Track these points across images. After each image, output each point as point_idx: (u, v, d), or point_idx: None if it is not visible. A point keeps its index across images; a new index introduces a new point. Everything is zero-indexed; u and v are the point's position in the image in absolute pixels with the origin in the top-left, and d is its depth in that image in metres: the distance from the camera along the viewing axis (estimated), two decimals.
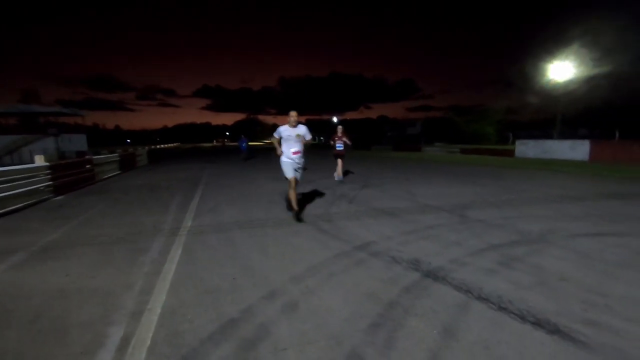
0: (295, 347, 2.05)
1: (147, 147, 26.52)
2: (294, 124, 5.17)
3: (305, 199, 6.84)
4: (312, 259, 3.51)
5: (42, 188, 7.64)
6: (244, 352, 2.01)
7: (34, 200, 7.17)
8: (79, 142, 27.55)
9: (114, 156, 13.89)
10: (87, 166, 10.56)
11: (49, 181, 7.97)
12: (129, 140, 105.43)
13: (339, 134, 9.54)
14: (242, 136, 20.46)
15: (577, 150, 17.53)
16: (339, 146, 9.52)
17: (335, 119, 66.32)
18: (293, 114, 5.17)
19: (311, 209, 5.92)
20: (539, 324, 2.24)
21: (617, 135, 23.18)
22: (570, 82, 23.63)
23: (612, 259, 3.37)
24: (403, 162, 17.42)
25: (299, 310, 2.49)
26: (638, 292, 2.70)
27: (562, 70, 22.96)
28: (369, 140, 43.28)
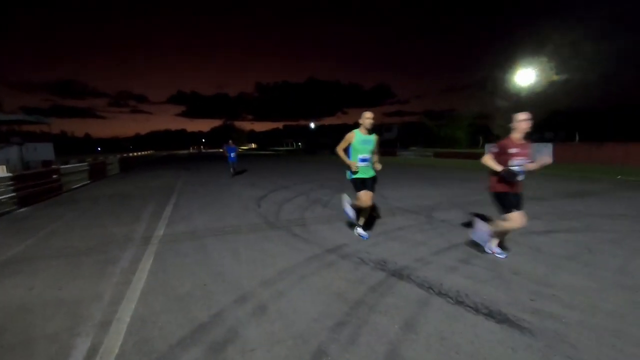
0: (264, 347, 2.13)
1: (118, 155, 25.72)
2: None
3: (279, 204, 6.92)
4: (284, 263, 3.60)
5: (4, 200, 7.32)
6: (213, 354, 2.07)
7: None
8: (45, 151, 26.32)
9: (83, 165, 13.41)
10: (54, 176, 10.16)
11: (12, 192, 7.64)
12: (99, 148, 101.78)
13: (518, 138, 3.44)
14: (230, 142, 14.47)
15: (542, 152, 18.48)
16: (519, 169, 3.41)
17: (312, 125, 66.51)
18: None
19: (285, 214, 6.00)
20: (490, 314, 2.43)
21: (577, 138, 24.64)
22: (534, 87, 24.97)
23: (561, 253, 3.65)
24: None
25: (268, 313, 2.57)
26: (580, 281, 2.96)
27: (526, 76, 24.25)
28: None
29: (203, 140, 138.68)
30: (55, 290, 3.12)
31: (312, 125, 66.78)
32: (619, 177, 10.40)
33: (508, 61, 25.65)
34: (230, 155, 13.79)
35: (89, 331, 2.40)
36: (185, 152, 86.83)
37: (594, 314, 2.41)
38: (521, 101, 25.22)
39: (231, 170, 13.94)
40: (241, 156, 35.30)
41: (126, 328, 2.42)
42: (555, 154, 17.83)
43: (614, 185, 8.65)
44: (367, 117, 4.16)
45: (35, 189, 8.71)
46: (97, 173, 14.49)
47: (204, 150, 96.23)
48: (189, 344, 2.19)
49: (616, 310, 2.47)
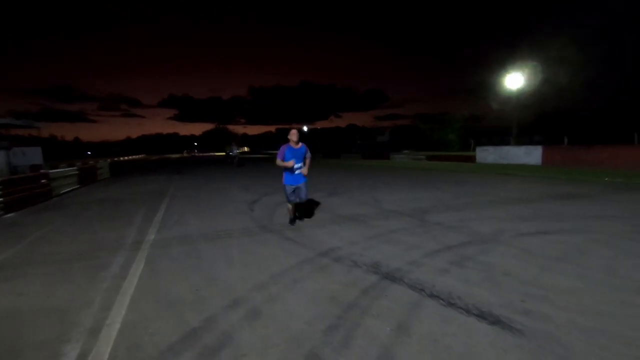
0: (257, 352, 2.12)
1: (109, 160, 25.40)
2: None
3: (273, 208, 6.90)
4: (277, 267, 3.58)
5: None
6: (204, 359, 2.05)
7: None
8: (33, 155, 25.84)
9: (73, 170, 13.22)
10: (43, 181, 10.00)
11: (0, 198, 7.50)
12: (89, 153, 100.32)
13: None
14: (292, 132, 5.16)
15: (532, 155, 18.76)
16: None
17: (305, 128, 66.58)
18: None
19: (278, 218, 5.98)
20: (482, 316, 2.45)
21: (565, 140, 25.05)
22: (523, 91, 25.39)
23: (551, 254, 3.70)
24: (371, 169, 17.86)
25: (261, 317, 2.55)
26: (571, 282, 3.00)
27: (515, 80, 24.66)
28: (339, 149, 44.01)
29: (195, 143, 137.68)
30: (45, 297, 3.06)
31: (305, 128, 66.84)
32: (607, 179, 10.59)
33: (499, 65, 26.08)
34: (293, 168, 5.15)
35: (78, 337, 2.36)
36: (177, 155, 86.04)
37: (583, 314, 2.44)
38: (511, 104, 25.61)
39: (291, 203, 5.36)
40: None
41: (116, 334, 2.38)
42: (543, 157, 18.10)
43: (602, 187, 8.81)
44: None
45: (24, 194, 8.56)
46: (87, 177, 14.29)
47: (197, 154, 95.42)
48: (180, 350, 2.16)
49: (605, 310, 2.50)
